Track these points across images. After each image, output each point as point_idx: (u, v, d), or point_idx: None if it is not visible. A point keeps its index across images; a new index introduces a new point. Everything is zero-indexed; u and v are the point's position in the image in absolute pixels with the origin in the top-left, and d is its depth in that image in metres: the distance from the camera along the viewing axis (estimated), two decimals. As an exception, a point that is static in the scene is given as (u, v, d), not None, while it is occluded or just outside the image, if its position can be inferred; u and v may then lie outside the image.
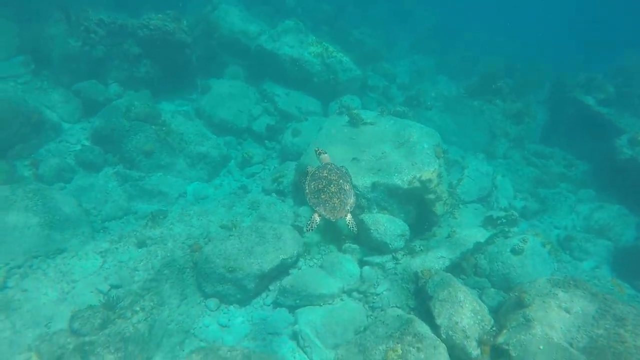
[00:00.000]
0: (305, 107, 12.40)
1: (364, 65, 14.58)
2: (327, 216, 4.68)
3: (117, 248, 7.33)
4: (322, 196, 4.68)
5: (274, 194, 9.47)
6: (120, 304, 6.08)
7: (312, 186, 4.79)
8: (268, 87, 12.89)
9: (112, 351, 5.27)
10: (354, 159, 8.54)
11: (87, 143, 10.05)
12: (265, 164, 11.13)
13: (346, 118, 9.80)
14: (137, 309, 6.21)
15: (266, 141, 11.82)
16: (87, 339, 5.35)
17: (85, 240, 7.87)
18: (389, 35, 20.44)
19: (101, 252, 7.29)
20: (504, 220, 8.61)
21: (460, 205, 9.66)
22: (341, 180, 4.85)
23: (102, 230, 8.49)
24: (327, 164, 5.13)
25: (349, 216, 4.89)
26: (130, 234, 7.63)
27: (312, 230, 4.76)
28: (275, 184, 9.60)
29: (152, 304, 6.46)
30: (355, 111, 9.59)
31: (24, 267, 7.10)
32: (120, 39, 11.39)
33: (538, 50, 22.32)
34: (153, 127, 9.95)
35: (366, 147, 8.77)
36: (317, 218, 4.74)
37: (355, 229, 5.12)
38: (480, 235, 8.09)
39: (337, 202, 4.70)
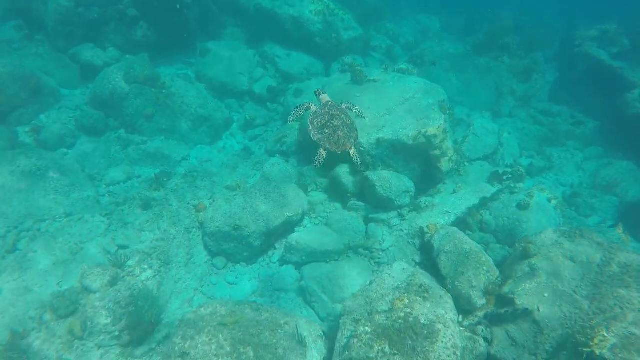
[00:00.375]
0: (307, 68, 12.11)
1: (367, 26, 14.11)
2: (332, 149, 4.80)
3: (122, 210, 7.38)
4: (326, 130, 4.79)
5: (277, 155, 9.38)
6: (129, 262, 6.16)
7: (316, 123, 4.87)
8: (269, 48, 12.57)
9: (123, 306, 5.37)
10: (357, 115, 8.38)
11: (87, 108, 9.92)
12: (267, 126, 10.99)
13: (349, 76, 9.55)
14: (145, 267, 6.29)
15: (268, 103, 11.62)
16: (97, 295, 5.45)
17: (90, 204, 7.90)
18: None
19: (107, 214, 7.34)
20: (510, 176, 8.51)
21: (466, 163, 9.54)
22: (343, 115, 4.93)
23: (107, 195, 8.50)
24: (328, 101, 5.11)
25: (352, 149, 4.96)
26: (134, 196, 7.65)
27: (319, 164, 4.86)
28: (279, 144, 9.51)
29: (159, 262, 6.55)
30: (358, 68, 9.33)
31: (32, 230, 7.17)
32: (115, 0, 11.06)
33: (548, 6, 21.46)
34: (153, 90, 9.78)
35: (370, 103, 8.58)
36: (323, 152, 4.85)
37: (360, 162, 5.26)
38: (486, 190, 8.03)
39: (341, 134, 4.81)
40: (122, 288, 5.55)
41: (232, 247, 7.10)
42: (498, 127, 10.76)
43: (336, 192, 8.27)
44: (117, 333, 5.20)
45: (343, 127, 4.74)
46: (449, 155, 8.54)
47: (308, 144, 8.95)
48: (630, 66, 12.41)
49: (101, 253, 6.50)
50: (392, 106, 8.44)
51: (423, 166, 8.50)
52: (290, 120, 4.93)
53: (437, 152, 8.26)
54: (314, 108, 4.99)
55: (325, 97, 5.20)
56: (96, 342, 5.12)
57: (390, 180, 7.71)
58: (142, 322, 5.54)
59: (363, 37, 13.30)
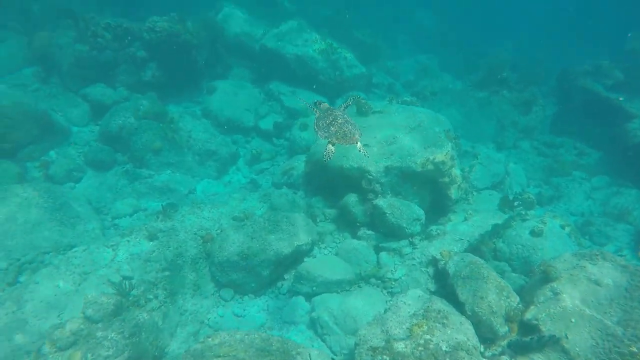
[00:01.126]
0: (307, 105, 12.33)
1: (368, 64, 14.59)
2: (342, 142, 4.91)
3: (128, 241, 7.21)
4: (332, 128, 4.93)
5: (284, 187, 9.34)
6: (133, 291, 5.94)
7: (321, 124, 5.05)
8: (274, 86, 12.91)
9: (127, 336, 5.10)
10: (365, 145, 8.40)
11: (95, 144, 10.02)
12: (274, 160, 11.04)
13: (354, 108, 9.72)
14: (151, 297, 6.06)
15: (274, 138, 11.75)
16: (100, 325, 5.19)
17: (95, 236, 7.77)
18: (390, 37, 20.51)
19: (112, 245, 7.17)
20: (520, 202, 8.40)
21: (474, 192, 9.48)
22: (346, 115, 5.14)
23: (112, 227, 8.38)
24: (329, 108, 5.35)
25: (359, 144, 5.12)
26: (141, 227, 7.52)
27: (329, 158, 4.99)
28: (286, 176, 9.49)
29: (165, 292, 6.31)
30: (363, 100, 9.52)
31: (36, 262, 7.00)
32: (126, 43, 11.49)
33: (540, 47, 22.27)
34: (161, 125, 9.92)
35: (377, 133, 8.65)
36: (331, 148, 4.94)
37: (367, 154, 5.45)
38: (497, 216, 7.91)
39: (347, 129, 4.95)
40: (127, 318, 5.29)
41: (240, 277, 6.87)
42: (504, 156, 10.79)
43: (345, 221, 8.14)
44: (119, 366, 4.89)
45: (347, 123, 5.03)
46: (458, 183, 8.49)
47: (316, 175, 8.95)
48: (628, 97, 12.66)
49: (105, 284, 6.26)
50: (399, 135, 8.50)
51: (432, 194, 8.42)
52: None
53: (446, 179, 8.21)
54: (317, 113, 5.35)
55: (325, 105, 5.51)
56: (97, 375, 4.81)
57: (400, 208, 7.61)
58: (145, 354, 5.24)
59: (365, 74, 13.69)
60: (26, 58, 12.28)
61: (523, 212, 8.09)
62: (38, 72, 11.83)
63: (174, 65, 11.93)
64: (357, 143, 5.04)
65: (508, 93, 13.24)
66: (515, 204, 8.31)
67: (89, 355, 4.83)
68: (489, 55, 14.90)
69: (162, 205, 8.01)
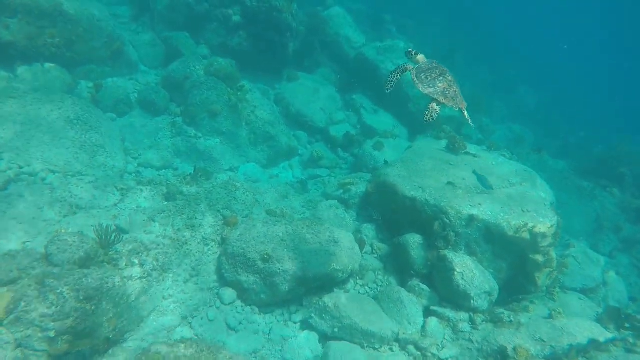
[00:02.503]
0: (391, 130, 10.91)
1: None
2: (449, 104, 4.05)
3: (141, 190, 6.00)
4: (439, 84, 4.08)
5: (335, 201, 7.83)
6: (118, 246, 4.58)
7: (423, 77, 4.13)
8: (358, 98, 11.68)
9: (80, 299, 3.69)
10: (449, 183, 6.80)
11: (155, 86, 9.16)
12: (332, 171, 9.60)
13: (444, 143, 8.20)
14: (135, 261, 4.66)
15: (340, 149, 10.38)
16: (56, 270, 3.83)
17: (112, 174, 6.62)
18: (489, 101, 19.01)
19: (122, 189, 5.99)
20: (629, 326, 6.27)
21: (558, 289, 7.44)
22: (450, 73, 4.22)
23: (134, 174, 7.25)
24: (432, 61, 4.34)
25: (466, 112, 4.26)
26: (162, 181, 6.31)
27: (431, 120, 4.05)
28: (341, 190, 7.99)
29: (155, 264, 4.90)
30: (459, 136, 7.97)
31: (37, 177, 5.89)
32: (227, 3, 10.83)
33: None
34: (228, 89, 8.89)
35: (466, 174, 7.03)
36: (436, 107, 4.06)
37: (473, 125, 4.10)
38: (597, 331, 5.84)
39: (457, 90, 4.14)
40: (93, 274, 3.90)
41: (252, 281, 5.33)
42: (605, 260, 8.63)
43: (397, 264, 6.45)
44: (52, 334, 3.47)
45: (455, 84, 4.19)
46: (551, 268, 6.57)
47: (377, 200, 7.39)
48: None
49: (93, 227, 4.98)
50: (493, 186, 6.80)
51: (513, 270, 6.54)
52: (387, 88, 4.40)
53: (539, 258, 6.32)
54: (410, 67, 4.34)
55: (422, 58, 4.46)
56: (18, 335, 3.40)
57: (474, 271, 5.83)
58: (96, 331, 3.80)
59: (459, 118, 12.14)
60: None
61: (631, 341, 5.96)
62: (133, 9, 11.46)
63: (264, 42, 11.06)
64: (464, 111, 4.23)
65: (619, 193, 11.07)
66: (627, 325, 6.20)
67: (22, 305, 3.45)
68: (603, 140, 12.83)
69: (194, 166, 6.77)
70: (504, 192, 6.72)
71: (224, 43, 10.94)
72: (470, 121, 4.55)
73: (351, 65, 12.41)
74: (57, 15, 7.85)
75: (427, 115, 4.10)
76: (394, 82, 4.39)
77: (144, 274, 4.65)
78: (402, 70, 4.51)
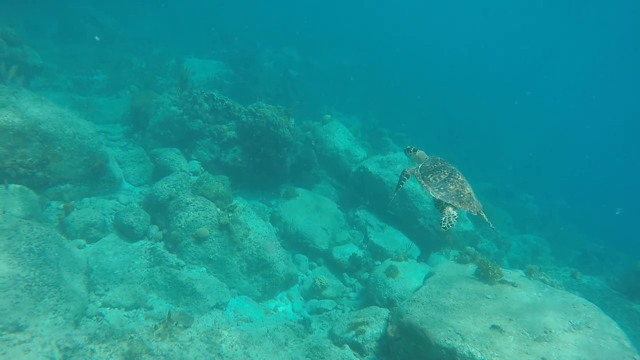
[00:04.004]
0: (402, 249, 9.68)
1: (478, 224, 12.05)
2: (466, 209, 3.74)
3: (92, 351, 4.43)
4: (451, 187, 3.84)
5: (347, 347, 6.21)
6: None
7: (431, 179, 3.97)
8: (362, 214, 10.68)
9: None
10: (493, 326, 5.34)
11: (136, 206, 8.09)
12: (339, 301, 8.07)
13: (471, 268, 6.93)
14: None
15: (345, 274, 8.97)
16: None
17: (60, 323, 5.09)
18: (492, 210, 18.28)
19: (67, 348, 4.43)
20: None
21: None
22: (458, 171, 4.04)
23: (95, 317, 5.71)
24: (434, 158, 4.22)
25: (484, 215, 3.93)
26: (124, 333, 4.76)
27: (450, 227, 3.72)
28: (353, 332, 6.42)
29: None
30: (491, 263, 6.71)
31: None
32: (221, 119, 10.45)
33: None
34: (218, 210, 7.83)
35: (513, 315, 5.59)
36: (453, 212, 3.76)
37: (498, 231, 3.59)
38: None
39: (469, 192, 3.83)
40: None
41: None
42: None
43: None
44: None
45: (466, 184, 3.87)
46: None
47: (406, 352, 5.80)
48: None
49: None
50: (553, 329, 5.33)
51: None
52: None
53: None
54: (411, 170, 4.16)
55: (422, 154, 4.35)
56: None
57: None
58: None
59: (473, 234, 11.07)
60: (125, 114, 11.80)
61: None
62: (127, 126, 11.08)
63: (260, 157, 10.41)
64: (482, 214, 3.95)
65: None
66: None
67: None
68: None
69: (169, 311, 5.28)
70: (570, 339, 5.23)
71: (217, 159, 10.27)
72: (492, 225, 4.13)
73: (353, 179, 11.69)
74: (31, 134, 7.09)
75: (444, 222, 3.79)
76: (399, 190, 4.19)
77: None
78: (405, 176, 4.17)
